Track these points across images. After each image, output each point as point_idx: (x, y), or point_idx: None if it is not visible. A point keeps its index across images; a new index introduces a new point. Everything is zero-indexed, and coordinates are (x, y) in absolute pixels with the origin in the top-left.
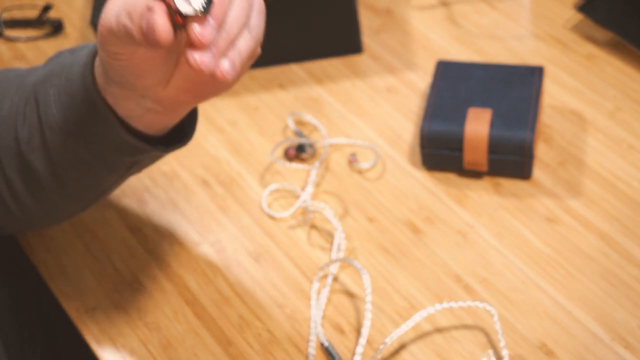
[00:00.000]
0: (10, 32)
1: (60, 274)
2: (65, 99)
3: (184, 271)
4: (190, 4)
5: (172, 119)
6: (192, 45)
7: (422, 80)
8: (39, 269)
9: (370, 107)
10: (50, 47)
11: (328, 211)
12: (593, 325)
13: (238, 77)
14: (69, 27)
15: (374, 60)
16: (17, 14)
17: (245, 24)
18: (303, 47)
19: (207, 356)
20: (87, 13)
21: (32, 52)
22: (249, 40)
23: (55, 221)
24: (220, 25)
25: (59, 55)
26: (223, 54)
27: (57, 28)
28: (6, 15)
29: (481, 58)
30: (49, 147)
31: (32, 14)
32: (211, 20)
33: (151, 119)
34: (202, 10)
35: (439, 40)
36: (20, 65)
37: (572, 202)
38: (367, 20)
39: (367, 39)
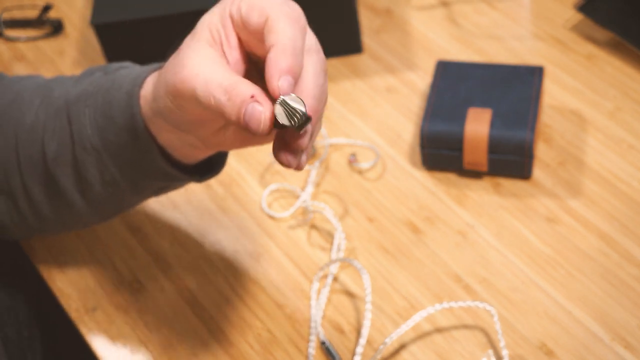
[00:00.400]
0: (10, 32)
1: (60, 274)
2: (103, 121)
3: (184, 271)
4: (291, 114)
5: (209, 154)
6: (285, 145)
7: (422, 80)
8: (39, 269)
9: (370, 107)
10: (50, 47)
11: (328, 211)
12: (593, 325)
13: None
14: (69, 27)
15: (374, 60)
16: (17, 14)
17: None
18: None
19: (207, 356)
20: (87, 13)
21: (32, 52)
22: (319, 127)
23: (68, 230)
24: (314, 128)
25: (91, 73)
26: (307, 150)
27: (57, 28)
28: (6, 15)
29: (481, 58)
30: (79, 166)
31: (32, 13)
32: (310, 129)
33: (189, 152)
34: (303, 121)
35: (439, 40)
36: (20, 65)
37: (572, 202)
38: (367, 20)
39: (367, 39)
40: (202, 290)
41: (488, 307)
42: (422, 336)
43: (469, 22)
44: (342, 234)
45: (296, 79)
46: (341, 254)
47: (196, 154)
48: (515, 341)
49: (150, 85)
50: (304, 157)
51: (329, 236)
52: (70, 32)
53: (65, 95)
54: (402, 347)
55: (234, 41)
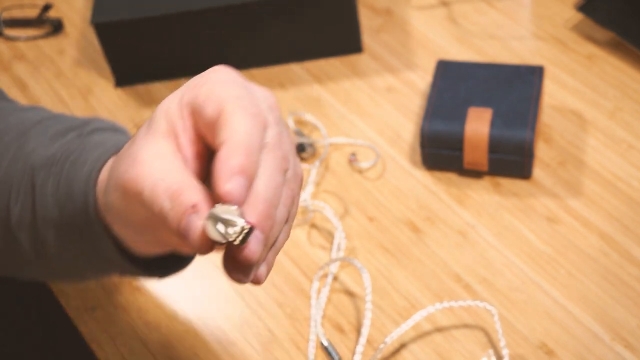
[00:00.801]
0: (10, 32)
1: None
2: (64, 199)
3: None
4: (225, 226)
5: (171, 251)
6: (232, 259)
7: (422, 80)
8: None
9: (370, 107)
10: (50, 47)
11: (328, 210)
12: (593, 325)
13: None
14: (69, 27)
15: (374, 60)
16: (17, 13)
17: (288, 218)
18: (303, 47)
19: (207, 356)
20: (88, 12)
21: (32, 52)
22: (287, 232)
23: (19, 277)
24: (267, 237)
25: (66, 131)
26: (263, 260)
27: (57, 27)
28: (6, 15)
29: (481, 58)
30: (39, 235)
31: (32, 13)
32: (259, 235)
33: (148, 248)
34: (243, 234)
35: (439, 40)
36: (20, 65)
37: (572, 202)
38: (367, 20)
39: (367, 38)
40: (202, 290)
41: (488, 307)
42: (422, 336)
43: (469, 22)
44: (342, 234)
45: (250, 180)
46: (341, 254)
47: (156, 251)
48: (515, 341)
49: (106, 172)
50: (261, 269)
51: (329, 235)
52: (71, 32)
53: (36, 153)
54: (402, 346)
55: (191, 133)
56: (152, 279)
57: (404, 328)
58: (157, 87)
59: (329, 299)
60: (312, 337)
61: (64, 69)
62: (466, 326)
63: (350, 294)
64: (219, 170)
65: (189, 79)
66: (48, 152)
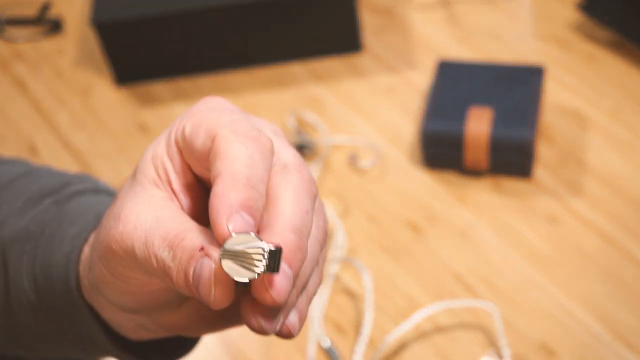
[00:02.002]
0: (10, 31)
1: None
2: (41, 280)
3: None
4: (247, 260)
5: (170, 335)
6: (253, 303)
7: (422, 79)
8: None
9: (370, 107)
10: (50, 46)
11: (328, 210)
12: (594, 325)
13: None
14: (68, 26)
15: (374, 60)
16: (17, 13)
17: (318, 259)
18: (302, 45)
19: (207, 356)
20: (87, 11)
21: (32, 51)
22: (318, 276)
23: None
24: (297, 274)
25: (42, 196)
26: (293, 306)
27: (56, 26)
28: (5, 14)
29: (482, 57)
30: (14, 319)
31: (32, 12)
32: (287, 271)
33: (143, 334)
34: (271, 261)
35: (440, 39)
36: (20, 64)
37: (573, 202)
38: (367, 20)
39: (367, 38)
40: None
41: (489, 307)
42: (423, 335)
43: (469, 22)
44: (342, 233)
45: (255, 215)
46: (342, 253)
47: (151, 336)
48: (516, 340)
49: (88, 248)
50: (292, 318)
51: (330, 235)
52: (70, 31)
53: (6, 224)
54: (403, 346)
55: (186, 176)
56: None
57: (405, 328)
58: (156, 86)
59: (329, 299)
60: (313, 337)
61: (64, 69)
62: (467, 326)
63: (350, 293)
64: (216, 208)
65: (189, 77)
66: (20, 223)
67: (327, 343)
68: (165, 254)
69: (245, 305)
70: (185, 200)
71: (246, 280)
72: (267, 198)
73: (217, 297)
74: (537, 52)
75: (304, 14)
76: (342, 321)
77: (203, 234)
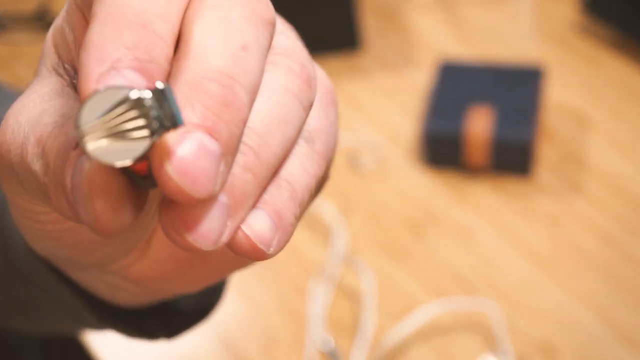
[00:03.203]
0: (9, 30)
1: None
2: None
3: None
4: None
5: (161, 298)
6: (172, 205)
7: (423, 79)
8: None
9: (371, 107)
10: None
11: (329, 210)
12: (595, 324)
13: (288, 237)
14: None
15: (374, 60)
16: (15, 10)
17: (296, 128)
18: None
19: (207, 356)
20: None
21: (31, 50)
22: (312, 163)
23: None
24: (228, 144)
25: None
26: (248, 202)
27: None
28: (3, 12)
29: (482, 57)
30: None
31: (31, 10)
32: (198, 136)
33: (124, 298)
34: (161, 126)
35: (440, 39)
36: (20, 64)
37: (573, 202)
38: (367, 20)
39: (367, 38)
40: None
41: (489, 306)
42: (423, 335)
43: (470, 22)
44: (342, 233)
45: (148, 71)
46: (342, 253)
47: (133, 299)
48: (517, 340)
49: None
50: (253, 221)
51: (330, 235)
52: None
53: None
54: (403, 346)
55: None
56: (150, 340)
57: (405, 328)
58: None
59: (329, 299)
60: (312, 337)
61: None
62: (467, 326)
63: (350, 293)
64: (84, 65)
65: None
66: None
67: (327, 343)
68: (38, 165)
69: (161, 207)
70: None
71: (127, 161)
72: (180, 40)
73: (99, 215)
74: (537, 52)
75: (302, 10)
76: (342, 321)
77: None
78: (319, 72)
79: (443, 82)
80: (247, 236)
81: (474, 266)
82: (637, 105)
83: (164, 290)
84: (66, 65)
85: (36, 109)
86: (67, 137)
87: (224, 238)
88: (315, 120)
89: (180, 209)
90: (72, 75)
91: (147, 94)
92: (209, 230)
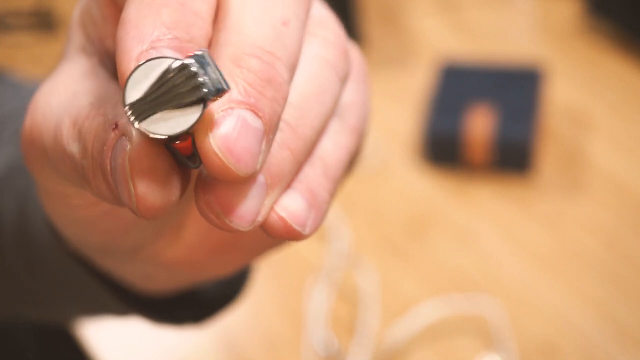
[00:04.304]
0: (9, 30)
1: None
2: (21, 237)
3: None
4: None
5: (191, 284)
6: (209, 184)
7: (423, 79)
8: None
9: (372, 106)
10: (48, 44)
11: (329, 210)
12: (597, 324)
13: (323, 216)
14: (66, 21)
15: (374, 60)
16: (13, 8)
17: (333, 101)
18: None
19: (207, 356)
20: None
21: (31, 49)
22: (341, 134)
23: None
24: (271, 122)
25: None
26: (284, 180)
27: (54, 24)
28: (2, 12)
29: (483, 57)
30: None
31: (28, 7)
32: (244, 114)
33: (156, 287)
34: (209, 94)
35: (441, 39)
36: (18, 63)
37: (574, 201)
38: (368, 19)
39: (368, 37)
40: None
41: (491, 305)
42: (424, 335)
43: (470, 21)
44: (342, 233)
45: (186, 49)
46: (342, 253)
47: (161, 287)
48: (518, 340)
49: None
50: (288, 202)
51: (330, 235)
52: (67, 25)
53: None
54: (404, 345)
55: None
56: (178, 326)
57: (406, 327)
58: None
59: (329, 299)
60: (312, 337)
61: None
62: (468, 325)
63: (351, 293)
64: (122, 43)
65: None
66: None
67: (329, 342)
68: (74, 148)
69: (197, 188)
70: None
71: (183, 129)
72: (218, 16)
73: (143, 195)
74: (539, 51)
75: None
76: (342, 320)
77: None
78: (351, 45)
79: (444, 82)
80: (281, 217)
81: (475, 265)
82: (638, 105)
83: (195, 275)
84: (96, 44)
85: (68, 90)
86: (105, 117)
87: (260, 218)
88: (349, 93)
89: (217, 189)
90: (102, 54)
91: (190, 60)
92: (246, 211)
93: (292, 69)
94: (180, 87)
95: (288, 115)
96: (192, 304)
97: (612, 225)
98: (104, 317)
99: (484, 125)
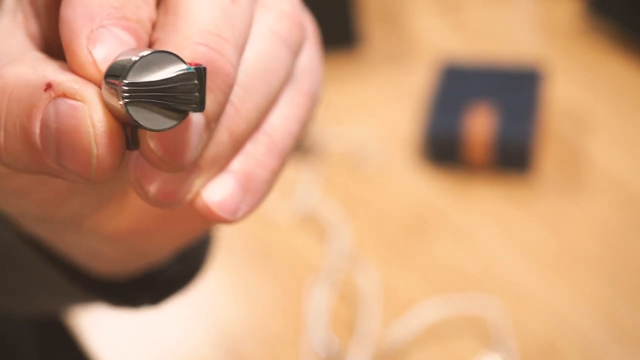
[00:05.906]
0: None
1: None
2: None
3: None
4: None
5: (141, 261)
6: (143, 159)
7: (423, 79)
8: None
9: (372, 106)
10: None
11: (328, 210)
12: (597, 324)
13: (262, 197)
14: None
15: (375, 59)
16: None
17: (282, 78)
18: None
19: (207, 356)
20: None
21: None
22: (291, 104)
23: None
24: (214, 114)
25: None
26: (219, 162)
27: None
28: None
29: (483, 57)
30: None
31: None
32: (194, 115)
33: (106, 265)
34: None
35: (441, 39)
36: None
37: (574, 201)
38: (368, 19)
39: (368, 37)
40: (202, 289)
41: (490, 307)
42: (424, 335)
43: (470, 21)
44: (342, 234)
45: (136, 30)
46: (342, 253)
47: (110, 266)
48: (518, 340)
49: None
50: (225, 180)
51: (330, 235)
52: None
53: None
54: (405, 345)
55: None
56: (134, 309)
57: (405, 327)
58: None
59: (329, 299)
60: (312, 337)
61: None
62: (468, 325)
63: (351, 293)
64: (69, 23)
65: None
66: None
67: (330, 342)
68: None
69: (131, 165)
70: (46, 21)
71: (163, 128)
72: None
73: (102, 160)
74: (539, 52)
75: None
76: (342, 320)
77: (52, 67)
78: (304, 13)
79: (444, 81)
80: (205, 204)
81: (475, 265)
82: (638, 104)
83: (142, 249)
84: (25, 6)
85: None
86: (27, 77)
87: (189, 197)
88: (303, 59)
89: (147, 168)
90: (26, 14)
91: (200, 71)
92: (174, 190)
93: (241, 48)
94: (180, 93)
95: (233, 94)
96: (148, 285)
97: (613, 225)
98: (75, 305)
99: (484, 125)
